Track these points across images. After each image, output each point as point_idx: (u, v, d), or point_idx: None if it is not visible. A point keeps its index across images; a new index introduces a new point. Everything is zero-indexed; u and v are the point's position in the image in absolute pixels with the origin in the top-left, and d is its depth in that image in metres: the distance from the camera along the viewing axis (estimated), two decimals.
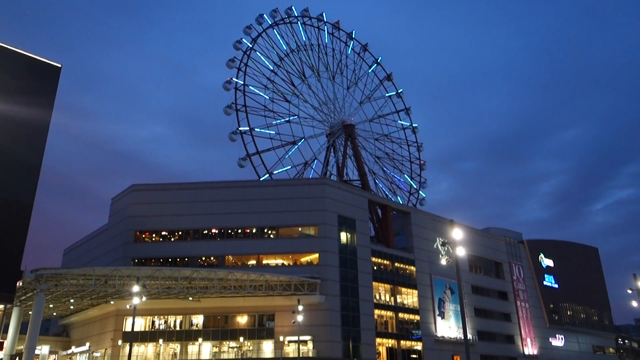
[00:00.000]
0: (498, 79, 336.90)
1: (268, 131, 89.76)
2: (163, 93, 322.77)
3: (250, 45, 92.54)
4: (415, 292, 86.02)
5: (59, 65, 51.30)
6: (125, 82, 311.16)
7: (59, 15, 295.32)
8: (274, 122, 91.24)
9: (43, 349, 77.37)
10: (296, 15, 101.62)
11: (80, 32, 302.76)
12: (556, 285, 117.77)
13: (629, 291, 55.95)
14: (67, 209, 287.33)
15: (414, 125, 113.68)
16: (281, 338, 69.66)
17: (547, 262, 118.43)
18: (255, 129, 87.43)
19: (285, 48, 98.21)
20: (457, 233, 32.67)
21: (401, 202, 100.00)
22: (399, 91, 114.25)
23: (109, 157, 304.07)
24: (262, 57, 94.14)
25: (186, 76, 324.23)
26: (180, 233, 76.94)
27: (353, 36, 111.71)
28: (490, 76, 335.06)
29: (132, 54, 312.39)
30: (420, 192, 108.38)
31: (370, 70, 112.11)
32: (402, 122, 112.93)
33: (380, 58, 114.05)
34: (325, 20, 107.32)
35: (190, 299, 69.88)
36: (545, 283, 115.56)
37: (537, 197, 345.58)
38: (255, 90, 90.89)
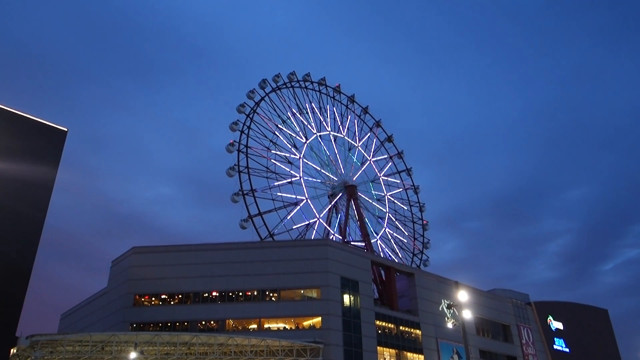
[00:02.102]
0: (501, 139, 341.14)
1: (270, 192, 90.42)
2: (170, 154, 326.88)
3: (253, 109, 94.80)
4: (422, 357, 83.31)
5: (65, 129, 52.43)
6: (132, 144, 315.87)
7: (68, 78, 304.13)
8: (275, 184, 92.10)
9: None
10: (298, 79, 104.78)
11: (89, 95, 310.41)
12: (567, 350, 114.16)
13: None
14: (68, 270, 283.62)
15: (415, 185, 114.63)
16: None
17: (557, 324, 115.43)
18: (257, 191, 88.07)
19: (287, 111, 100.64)
20: (462, 295, 32.12)
21: (405, 263, 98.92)
22: (400, 152, 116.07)
23: (113, 218, 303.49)
24: (264, 120, 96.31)
25: (193, 138, 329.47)
26: (180, 296, 75.69)
27: (354, 99, 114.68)
28: (493, 136, 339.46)
29: (139, 116, 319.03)
30: (423, 252, 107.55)
31: (371, 132, 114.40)
32: (404, 183, 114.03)
33: (380, 120, 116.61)
34: (326, 84, 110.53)
35: None
36: (555, 347, 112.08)
37: (544, 257, 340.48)
38: (258, 152, 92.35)
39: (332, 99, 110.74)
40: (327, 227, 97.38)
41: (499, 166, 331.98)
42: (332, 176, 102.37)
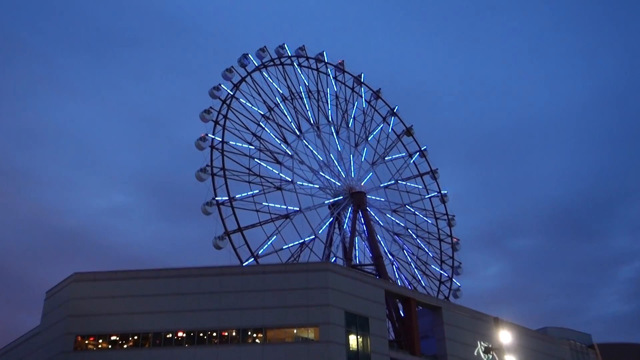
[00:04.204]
0: (560, 131, 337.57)
1: (253, 201, 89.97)
2: (126, 151, 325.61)
3: (231, 93, 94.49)
4: None
5: None
6: (78, 137, 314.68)
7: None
8: (261, 190, 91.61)
9: None
10: (289, 55, 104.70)
11: (21, 74, 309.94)
12: None
13: None
14: None
15: (442, 192, 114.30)
16: None
17: None
18: (237, 199, 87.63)
19: (275, 96, 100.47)
20: (504, 335, 31.62)
21: (429, 294, 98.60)
22: (422, 149, 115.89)
23: (51, 234, 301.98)
24: (246, 107, 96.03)
25: (156, 130, 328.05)
26: (136, 337, 75.24)
27: (362, 80, 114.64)
28: (550, 128, 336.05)
29: (88, 102, 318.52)
30: (453, 280, 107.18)
31: (384, 123, 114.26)
32: (428, 189, 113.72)
33: (396, 107, 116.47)
34: (326, 60, 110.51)
35: None
36: None
37: (614, 285, 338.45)
38: (237, 149, 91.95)
39: (333, 80, 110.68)
40: (328, 247, 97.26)
41: (557, 167, 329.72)
42: (333, 180, 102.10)
